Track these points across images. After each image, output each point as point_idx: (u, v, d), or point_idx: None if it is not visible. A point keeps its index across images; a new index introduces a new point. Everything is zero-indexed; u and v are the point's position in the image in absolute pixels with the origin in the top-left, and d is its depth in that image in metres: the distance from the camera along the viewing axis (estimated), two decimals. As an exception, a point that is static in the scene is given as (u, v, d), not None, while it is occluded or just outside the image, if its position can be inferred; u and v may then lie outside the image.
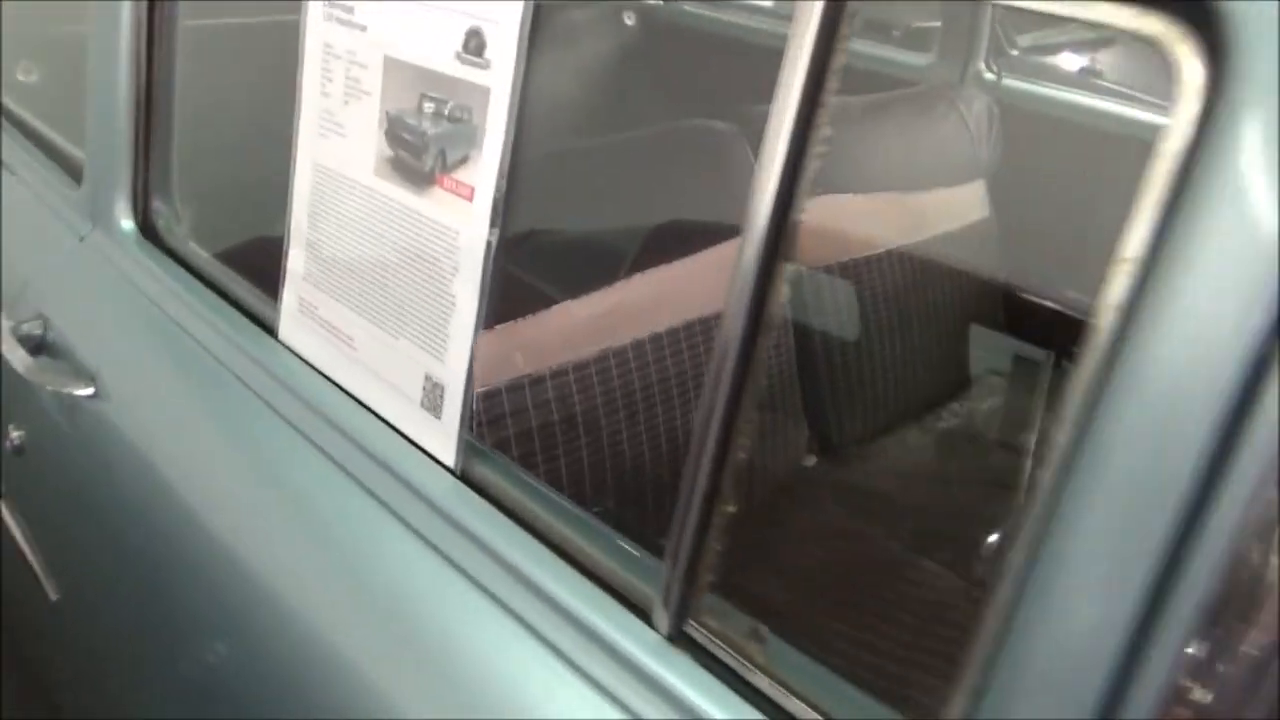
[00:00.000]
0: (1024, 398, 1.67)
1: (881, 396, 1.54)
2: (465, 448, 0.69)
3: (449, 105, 0.66)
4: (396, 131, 0.70)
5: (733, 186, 1.36)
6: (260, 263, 1.20)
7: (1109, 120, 1.81)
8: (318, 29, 0.75)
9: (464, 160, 0.65)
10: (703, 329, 1.26)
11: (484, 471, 0.69)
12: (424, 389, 0.70)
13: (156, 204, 1.00)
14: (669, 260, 1.18)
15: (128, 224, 0.99)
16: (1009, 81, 1.91)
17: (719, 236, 1.27)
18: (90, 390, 0.89)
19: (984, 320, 1.73)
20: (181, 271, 0.95)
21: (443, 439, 0.69)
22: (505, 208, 0.64)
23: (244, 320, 0.87)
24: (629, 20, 2.40)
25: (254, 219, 1.08)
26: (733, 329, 0.53)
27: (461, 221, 0.66)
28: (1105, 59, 2.27)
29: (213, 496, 0.82)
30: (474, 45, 0.63)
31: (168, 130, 1.02)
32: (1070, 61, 2.23)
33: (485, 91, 0.63)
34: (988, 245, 1.70)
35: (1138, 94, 1.98)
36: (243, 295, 0.91)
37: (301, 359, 0.81)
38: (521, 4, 0.60)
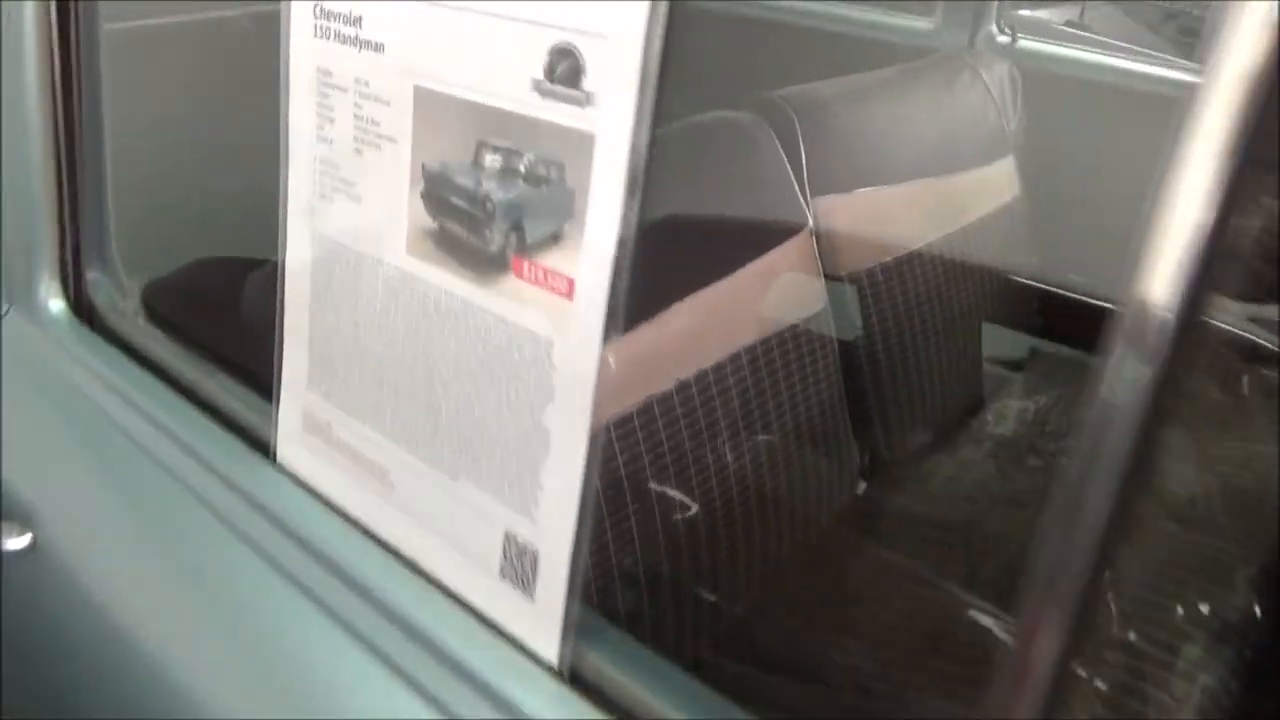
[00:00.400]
0: (1078, 391, 1.50)
1: (929, 403, 1.36)
2: (574, 637, 0.48)
3: (525, 159, 0.44)
4: (441, 195, 0.48)
5: (763, 183, 1.15)
6: (204, 296, 0.96)
7: (1132, 79, 1.63)
8: (307, 49, 0.52)
9: (555, 239, 0.44)
10: (750, 358, 1.06)
11: (604, 671, 0.48)
12: (505, 554, 0.49)
13: (92, 274, 0.76)
14: (666, 264, 0.98)
15: (56, 304, 0.75)
16: (1025, 43, 1.72)
17: (725, 233, 1.06)
18: (26, 540, 0.66)
19: (1024, 309, 1.56)
20: (131, 365, 0.71)
21: (538, 625, 0.48)
22: (624, 308, 0.42)
23: (225, 434, 0.65)
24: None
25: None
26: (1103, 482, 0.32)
27: (556, 328, 0.44)
28: (1094, 13, 2.09)
29: (198, 681, 0.60)
30: (565, 71, 0.41)
31: (99, 174, 0.78)
32: (1058, 15, 2.06)
33: (587, 140, 0.41)
34: (1021, 226, 1.53)
35: (1140, 49, 1.81)
36: (219, 396, 0.68)
37: (310, 492, 0.59)
38: (645, 4, 0.38)
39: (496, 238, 0.45)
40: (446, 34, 0.45)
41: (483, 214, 0.46)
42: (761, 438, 1.07)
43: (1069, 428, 1.42)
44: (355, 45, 0.49)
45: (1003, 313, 1.53)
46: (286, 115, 0.55)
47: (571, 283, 0.43)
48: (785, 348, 1.10)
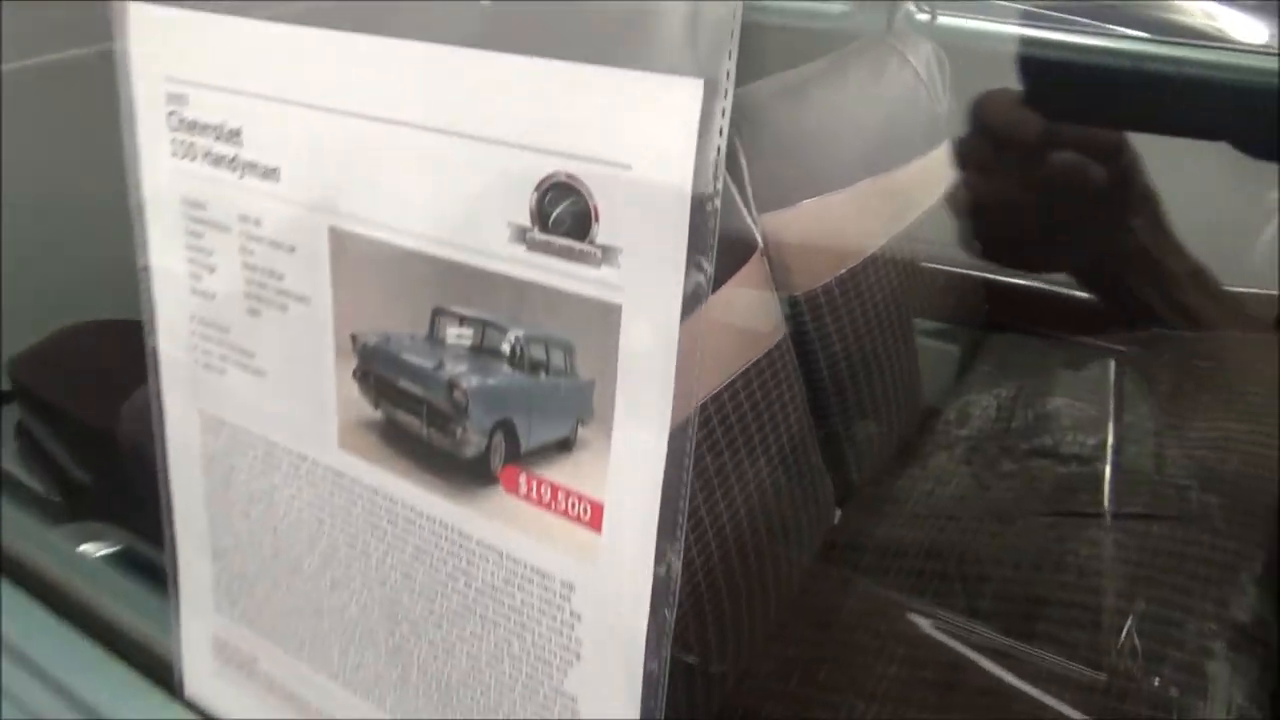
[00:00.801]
0: (1038, 383, 1.44)
1: (893, 413, 1.27)
2: None
3: (509, 336, 0.30)
4: (384, 376, 0.34)
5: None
6: (79, 368, 0.85)
7: (1064, 51, 1.56)
8: (164, 170, 0.37)
9: (564, 447, 0.30)
10: (716, 407, 0.94)
11: None
12: None
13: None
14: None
15: None
16: (944, 20, 1.63)
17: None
18: None
19: (974, 299, 1.49)
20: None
21: None
22: (685, 548, 0.29)
23: (111, 659, 0.49)
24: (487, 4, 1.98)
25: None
26: None
27: (578, 567, 0.31)
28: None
29: None
30: (565, 215, 0.28)
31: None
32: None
33: (608, 313, 0.28)
34: (965, 215, 1.45)
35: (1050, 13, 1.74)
36: (100, 599, 0.52)
37: (237, 737, 0.45)
38: (694, 115, 0.25)
39: (472, 439, 0.32)
40: (372, 157, 0.31)
41: (449, 406, 0.32)
42: (736, 491, 0.96)
43: (1034, 421, 1.35)
44: (235, 170, 0.35)
45: (953, 306, 1.46)
46: (146, 255, 0.40)
47: (598, 508, 0.30)
48: (751, 388, 0.99)
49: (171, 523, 0.44)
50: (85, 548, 0.69)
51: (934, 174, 1.41)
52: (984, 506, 1.26)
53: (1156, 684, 0.93)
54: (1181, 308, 1.31)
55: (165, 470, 0.43)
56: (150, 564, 0.61)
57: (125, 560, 0.66)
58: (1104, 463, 1.27)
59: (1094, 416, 1.37)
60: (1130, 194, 1.21)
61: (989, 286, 1.47)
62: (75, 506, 0.88)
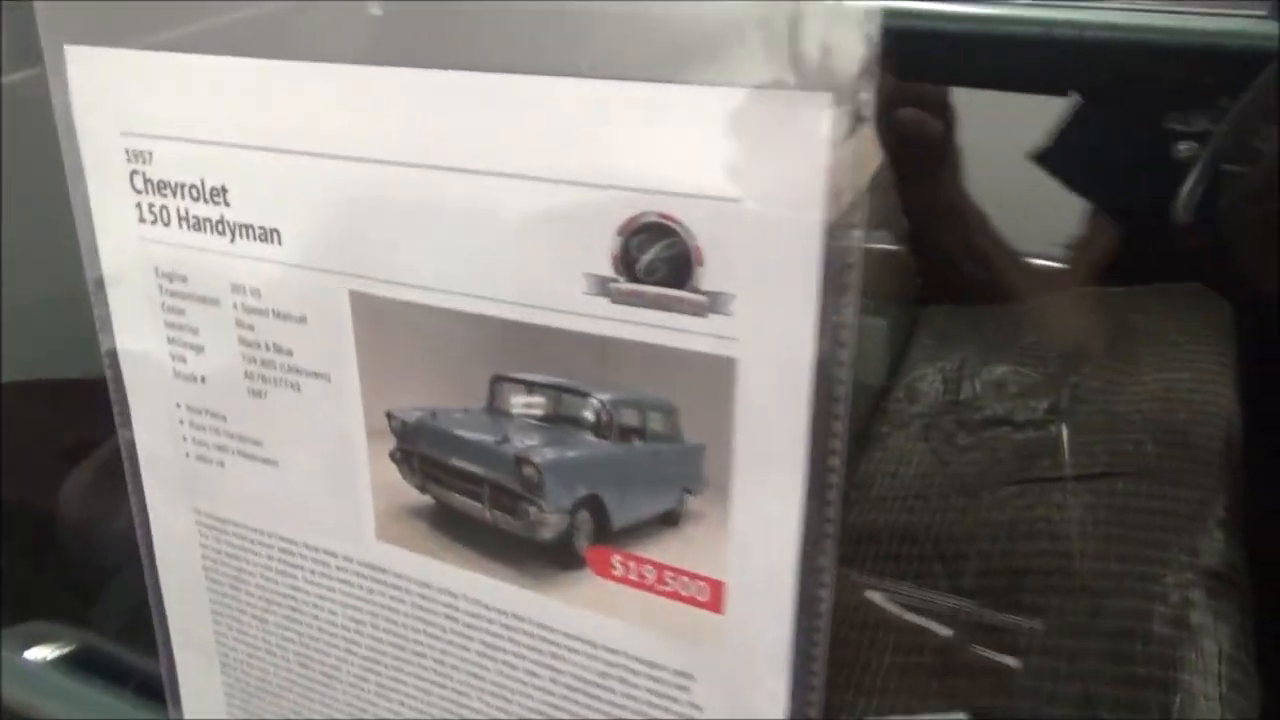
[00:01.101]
0: (978, 351, 1.45)
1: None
2: None
3: (591, 403, 0.26)
4: (432, 456, 0.29)
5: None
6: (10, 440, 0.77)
7: (976, 24, 1.57)
8: (129, 236, 0.32)
9: (670, 521, 0.26)
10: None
11: None
12: None
13: None
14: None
15: None
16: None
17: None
18: None
19: (907, 275, 1.49)
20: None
21: None
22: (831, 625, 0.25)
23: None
24: (376, 10, 1.92)
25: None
26: None
27: (695, 655, 0.27)
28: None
29: None
30: (659, 260, 0.23)
31: None
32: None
33: (719, 367, 0.24)
34: (889, 192, 1.44)
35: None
36: (63, 717, 0.46)
37: None
38: (823, 127, 0.21)
39: (550, 519, 0.27)
40: (401, 209, 0.26)
41: (518, 484, 0.28)
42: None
43: (982, 391, 1.36)
44: (224, 233, 0.29)
45: (891, 284, 1.46)
46: (112, 338, 0.34)
47: (717, 587, 0.26)
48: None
49: (166, 633, 0.38)
50: (33, 653, 0.62)
51: (862, 154, 1.39)
52: (949, 482, 1.25)
53: (1148, 642, 0.93)
54: (984, 260, 1.32)
55: (154, 577, 0.38)
56: (115, 662, 0.55)
57: (83, 663, 0.59)
58: (1058, 425, 1.28)
59: (1038, 380, 1.37)
60: (953, 149, 1.21)
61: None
62: (12, 604, 0.80)
